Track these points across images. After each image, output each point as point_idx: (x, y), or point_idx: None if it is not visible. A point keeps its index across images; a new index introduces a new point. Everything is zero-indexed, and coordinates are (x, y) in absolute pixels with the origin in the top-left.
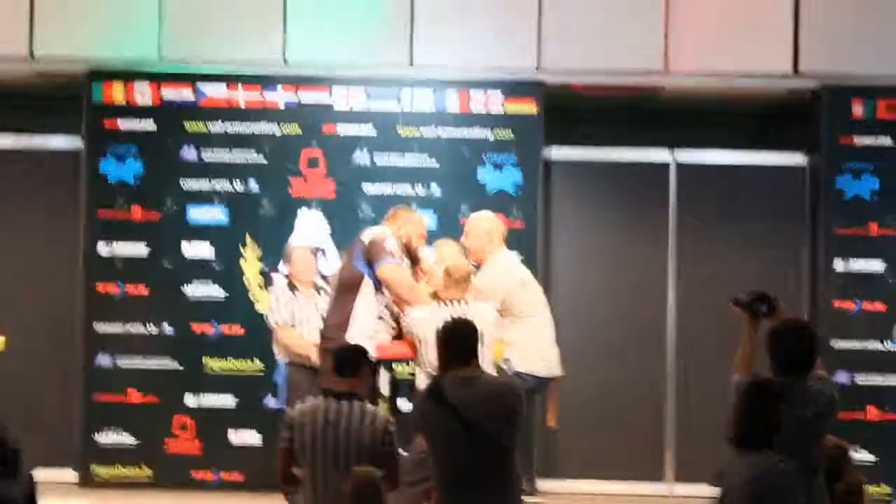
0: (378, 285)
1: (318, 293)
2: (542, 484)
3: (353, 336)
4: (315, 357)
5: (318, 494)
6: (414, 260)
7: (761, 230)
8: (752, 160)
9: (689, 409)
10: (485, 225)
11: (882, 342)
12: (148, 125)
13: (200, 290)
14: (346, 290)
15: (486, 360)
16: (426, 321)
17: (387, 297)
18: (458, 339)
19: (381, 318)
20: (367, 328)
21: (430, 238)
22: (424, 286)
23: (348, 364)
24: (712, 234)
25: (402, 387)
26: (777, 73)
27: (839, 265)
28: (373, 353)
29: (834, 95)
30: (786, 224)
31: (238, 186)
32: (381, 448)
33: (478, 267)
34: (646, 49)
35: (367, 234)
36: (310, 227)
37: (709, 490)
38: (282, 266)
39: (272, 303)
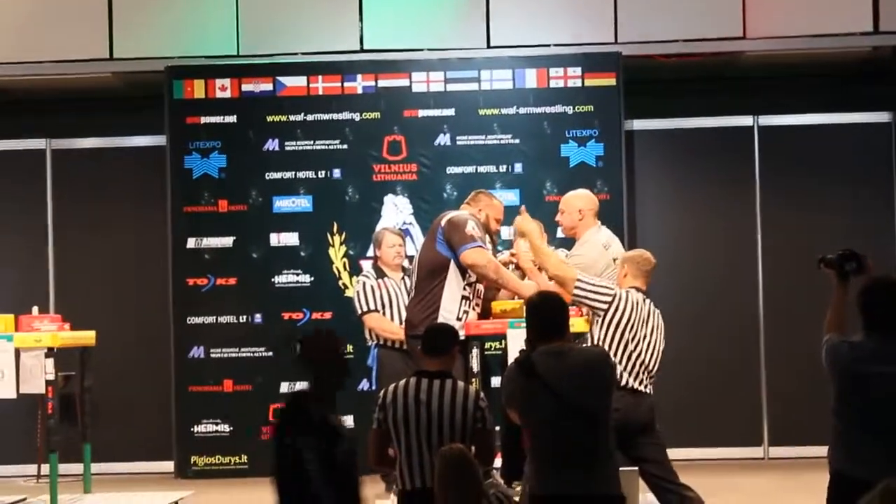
0: (461, 267)
1: (406, 276)
2: None
3: (440, 319)
4: (403, 338)
5: (412, 473)
6: (492, 242)
7: (848, 190)
8: (836, 120)
9: (780, 373)
10: (577, 202)
11: None
12: (229, 119)
13: (289, 278)
14: (429, 274)
15: None
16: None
17: (470, 277)
18: (548, 313)
19: (465, 297)
20: (453, 310)
21: (512, 213)
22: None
23: (438, 344)
24: (799, 196)
25: (492, 363)
26: (857, 31)
27: None
28: (462, 332)
29: None
30: (873, 182)
31: (321, 175)
32: (474, 424)
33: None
34: (724, 15)
35: (447, 218)
36: (396, 212)
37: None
38: (371, 251)
39: (358, 291)
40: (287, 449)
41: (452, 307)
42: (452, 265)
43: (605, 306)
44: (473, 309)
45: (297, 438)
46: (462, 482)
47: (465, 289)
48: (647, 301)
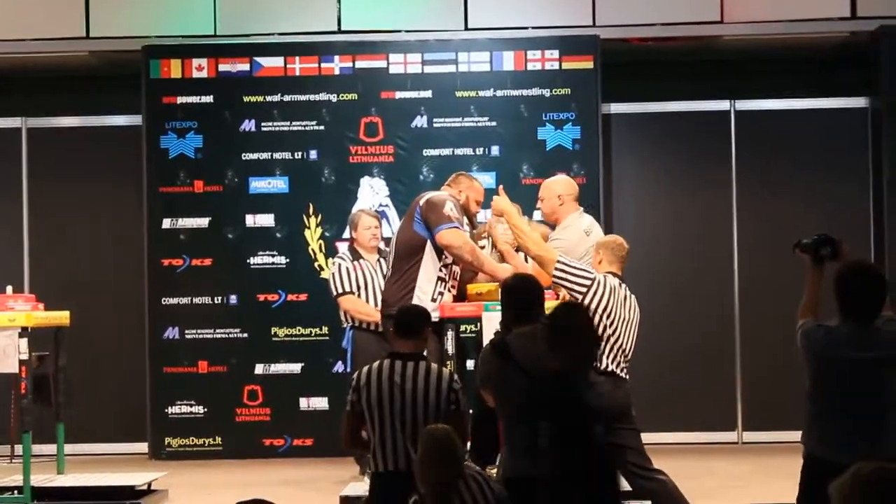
0: (438, 248)
1: (382, 258)
2: None
3: (415, 299)
4: (379, 320)
5: (385, 455)
6: (472, 224)
7: (824, 175)
8: (813, 105)
9: (755, 358)
10: (557, 188)
11: None
12: (206, 99)
13: (264, 259)
14: (405, 253)
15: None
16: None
17: (446, 258)
18: (523, 295)
19: (441, 279)
20: (428, 290)
21: (489, 196)
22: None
23: (410, 326)
24: (775, 181)
25: (467, 346)
26: (834, 16)
27: None
28: (436, 314)
29: (894, 37)
30: (849, 167)
31: (298, 156)
32: (448, 406)
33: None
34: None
35: (426, 198)
36: (372, 194)
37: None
38: (347, 233)
39: (333, 273)
40: None
41: (428, 288)
42: (429, 245)
43: (583, 290)
44: (449, 290)
45: None
46: (444, 462)
47: (441, 270)
48: (623, 286)
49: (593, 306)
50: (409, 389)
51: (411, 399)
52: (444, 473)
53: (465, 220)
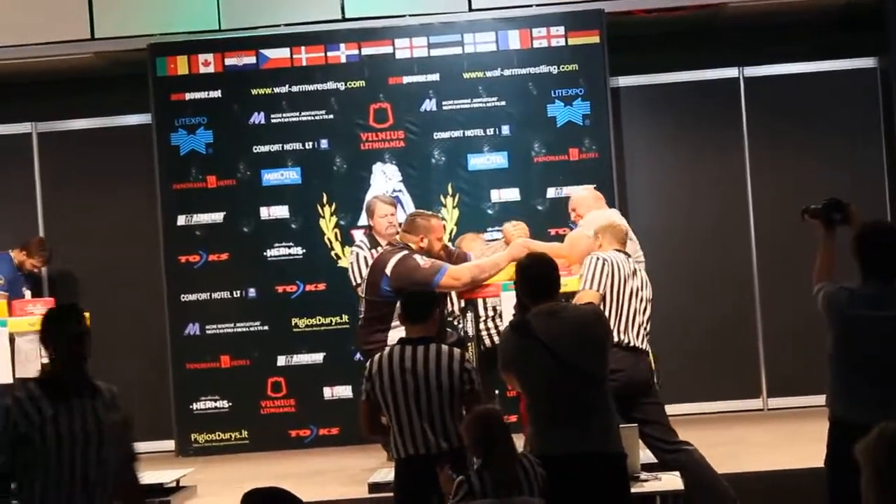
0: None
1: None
2: None
3: (389, 339)
4: None
5: (405, 441)
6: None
7: (836, 137)
8: (821, 68)
9: (776, 324)
10: (571, 205)
11: None
12: (214, 94)
13: (281, 251)
14: (375, 317)
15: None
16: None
17: None
18: (540, 274)
19: None
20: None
21: (501, 176)
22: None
23: (418, 310)
24: (787, 145)
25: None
26: None
27: None
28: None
29: None
30: (861, 128)
31: (309, 146)
32: (462, 387)
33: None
34: None
35: (391, 268)
36: (385, 180)
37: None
38: (363, 220)
39: (352, 263)
40: None
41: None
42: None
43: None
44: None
45: None
46: (504, 440)
47: None
48: (630, 260)
49: (605, 283)
50: (422, 373)
51: (424, 383)
52: (507, 456)
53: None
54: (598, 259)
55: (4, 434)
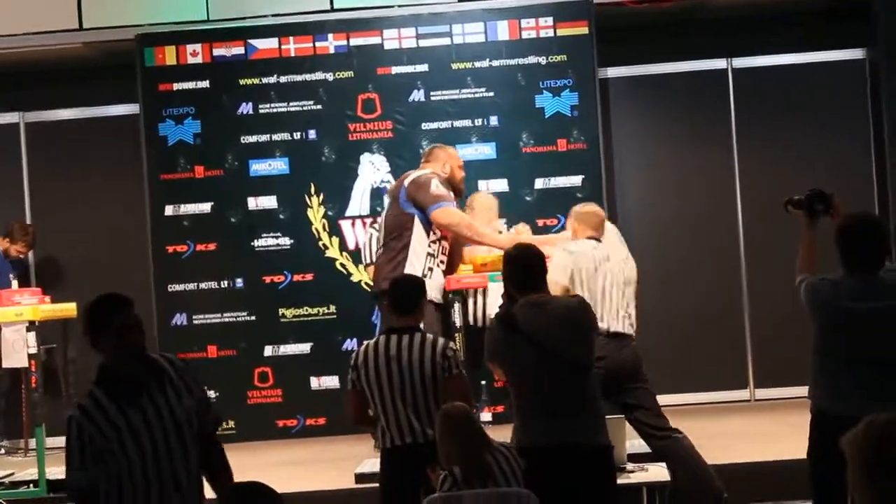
0: (426, 224)
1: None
2: None
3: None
4: None
5: (391, 430)
6: (457, 192)
7: (824, 128)
8: (810, 59)
9: (763, 315)
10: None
11: None
12: (202, 84)
13: (269, 241)
14: (395, 232)
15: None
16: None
17: (435, 234)
18: (526, 264)
19: (430, 254)
20: (418, 267)
21: (489, 166)
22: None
23: (404, 301)
24: (775, 137)
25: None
26: None
27: None
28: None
29: None
30: (849, 120)
31: (297, 136)
32: (444, 374)
33: None
34: None
35: (410, 178)
36: (373, 170)
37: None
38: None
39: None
40: None
41: (418, 264)
42: (417, 222)
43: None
44: (438, 266)
45: None
46: (469, 439)
47: (430, 246)
48: (601, 245)
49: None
50: (406, 362)
51: (408, 372)
52: (470, 450)
53: (453, 192)
54: (562, 251)
55: (83, 450)
